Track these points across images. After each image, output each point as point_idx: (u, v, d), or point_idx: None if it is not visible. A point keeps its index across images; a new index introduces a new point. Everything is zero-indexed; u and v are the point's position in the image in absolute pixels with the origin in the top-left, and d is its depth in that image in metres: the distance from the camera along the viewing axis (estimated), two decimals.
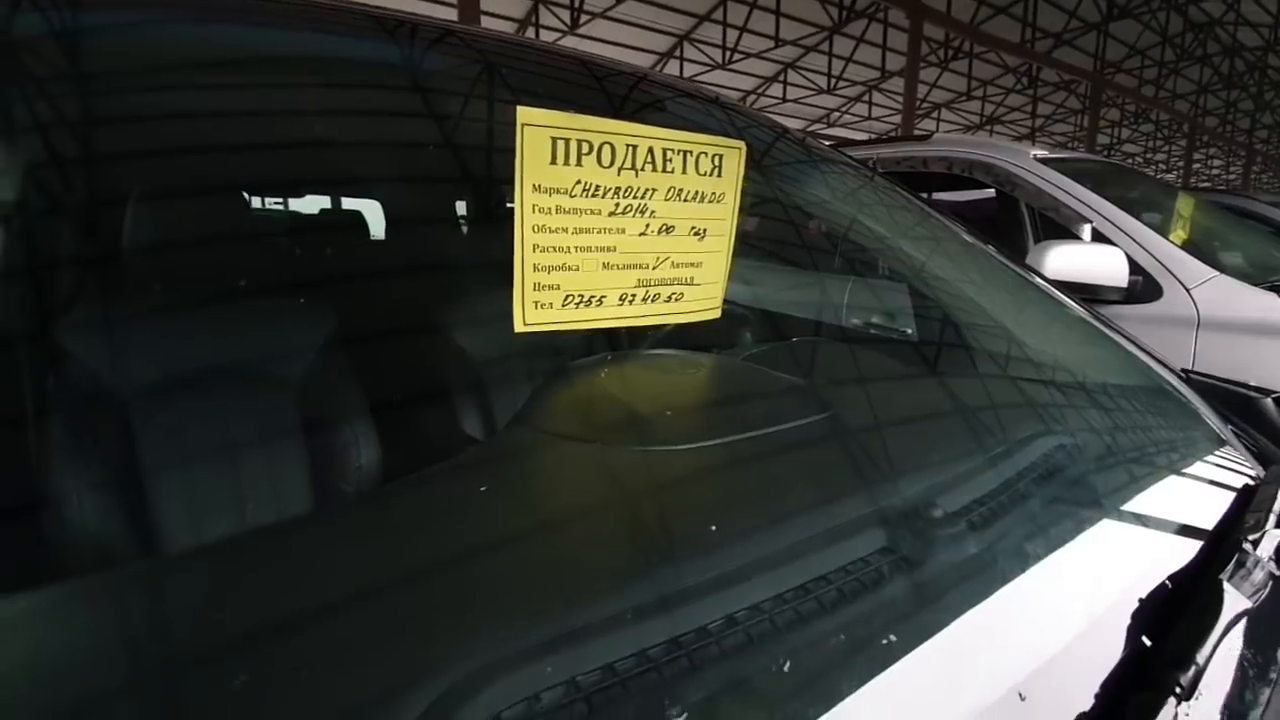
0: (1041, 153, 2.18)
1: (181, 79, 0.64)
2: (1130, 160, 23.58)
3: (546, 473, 0.50)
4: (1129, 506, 0.49)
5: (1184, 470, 0.58)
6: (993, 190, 2.26)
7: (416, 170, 0.85)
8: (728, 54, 12.21)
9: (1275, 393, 0.81)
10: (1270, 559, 0.38)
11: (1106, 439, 0.64)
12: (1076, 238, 1.96)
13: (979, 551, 0.39)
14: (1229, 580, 0.34)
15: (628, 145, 0.60)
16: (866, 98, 15.69)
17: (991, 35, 11.13)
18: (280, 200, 1.16)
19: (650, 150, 0.61)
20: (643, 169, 0.61)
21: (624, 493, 0.46)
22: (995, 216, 2.54)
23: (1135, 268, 1.82)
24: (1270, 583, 0.37)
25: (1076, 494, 0.51)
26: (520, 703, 0.26)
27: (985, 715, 0.27)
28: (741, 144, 0.67)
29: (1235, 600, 0.32)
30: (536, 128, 0.54)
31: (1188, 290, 1.75)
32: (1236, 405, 0.78)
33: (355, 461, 0.62)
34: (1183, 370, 0.86)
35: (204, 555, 0.41)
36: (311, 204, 1.20)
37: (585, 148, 0.57)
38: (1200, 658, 0.28)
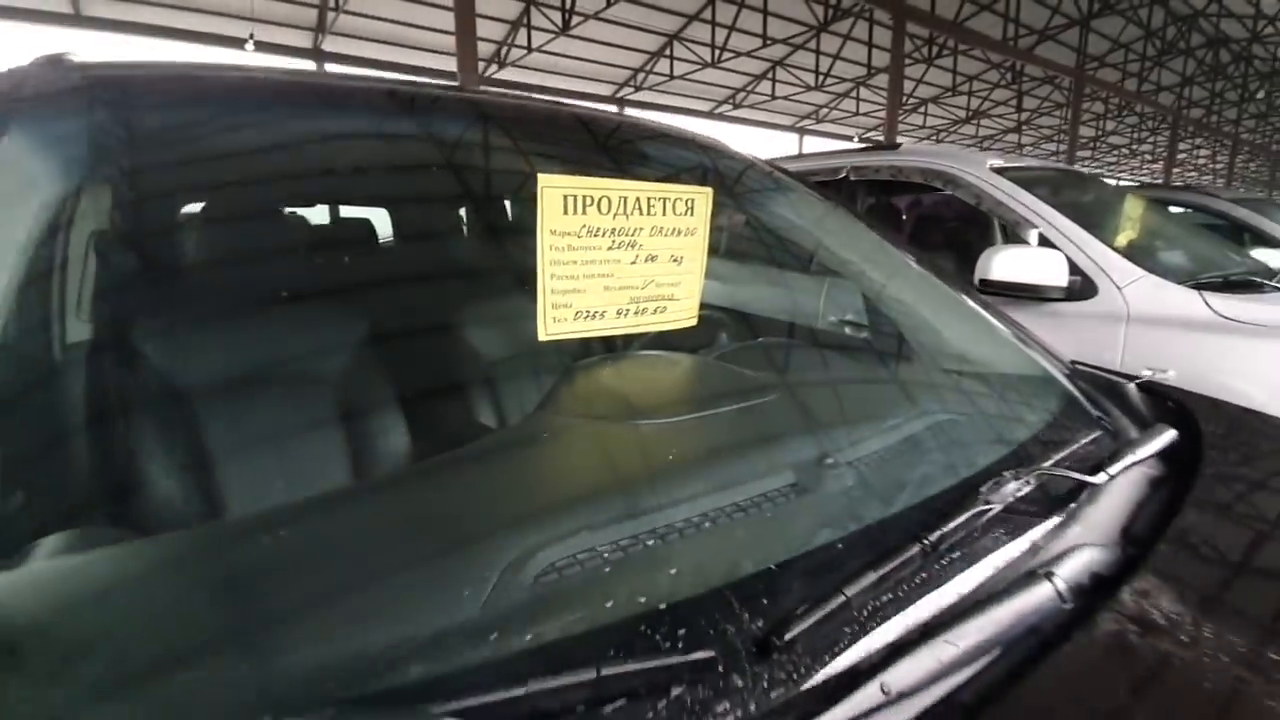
0: (998, 162, 2.39)
1: (238, 139, 0.85)
2: (1116, 151, 23.86)
3: (570, 440, 0.71)
4: (983, 467, 0.69)
5: (1042, 440, 0.78)
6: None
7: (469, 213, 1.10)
8: (717, 52, 12.37)
9: (1139, 378, 1.02)
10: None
11: (983, 414, 0.86)
12: (1024, 242, 2.18)
13: (851, 486, 0.61)
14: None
15: (620, 196, 0.80)
16: (854, 94, 15.89)
17: (975, 32, 11.33)
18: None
19: (638, 199, 0.82)
20: (631, 214, 0.81)
21: (625, 451, 0.67)
22: (953, 219, 2.76)
23: (1075, 268, 2.03)
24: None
25: (938, 454, 0.72)
26: (567, 562, 0.47)
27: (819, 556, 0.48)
28: (709, 190, 0.87)
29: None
30: (553, 189, 0.74)
31: (1119, 289, 1.97)
32: (1111, 389, 0.99)
33: (394, 439, 0.81)
34: (1072, 361, 1.07)
35: (265, 518, 0.57)
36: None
37: (588, 201, 0.78)
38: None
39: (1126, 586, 0.46)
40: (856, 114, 17.01)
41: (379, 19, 10.44)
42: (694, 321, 0.87)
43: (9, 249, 0.59)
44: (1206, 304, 1.84)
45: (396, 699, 0.33)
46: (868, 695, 0.35)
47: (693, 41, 12.56)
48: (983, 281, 2.01)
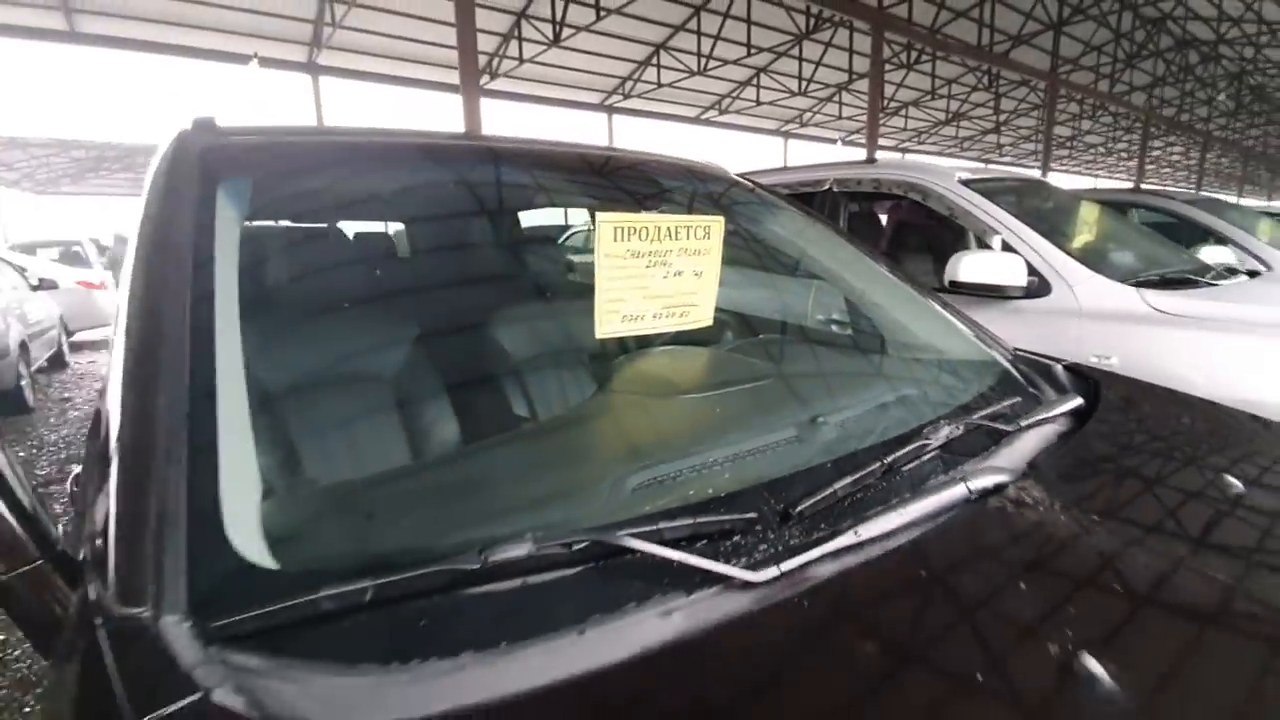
0: (965, 175, 2.66)
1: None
2: (1093, 150, 24.42)
3: (636, 406, 0.96)
4: (931, 420, 0.94)
5: (978, 403, 1.03)
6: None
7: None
8: (703, 61, 12.68)
9: (1063, 361, 1.28)
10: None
11: (937, 385, 1.11)
12: (989, 247, 2.45)
13: (835, 434, 0.86)
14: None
15: (655, 226, 1.05)
16: (837, 98, 16.27)
17: (951, 38, 11.71)
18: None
19: (668, 228, 1.06)
20: (663, 239, 1.06)
21: (677, 412, 0.92)
22: (928, 227, 3.02)
23: (1033, 270, 2.30)
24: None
25: (899, 412, 0.97)
26: (651, 479, 0.72)
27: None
28: (721, 217, 1.12)
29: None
30: (607, 223, 0.99)
31: (1070, 287, 2.24)
32: (1044, 370, 1.25)
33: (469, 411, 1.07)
34: (1014, 349, 1.33)
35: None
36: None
37: (631, 230, 1.02)
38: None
39: (1010, 487, 0.71)
40: (839, 118, 17.40)
41: (376, 33, 10.63)
42: (710, 323, 1.12)
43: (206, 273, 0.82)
44: (1144, 300, 2.12)
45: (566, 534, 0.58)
46: (846, 538, 0.60)
47: (679, 50, 12.88)
48: (952, 282, 2.27)
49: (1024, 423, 0.91)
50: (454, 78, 12.41)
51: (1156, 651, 0.51)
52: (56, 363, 6.97)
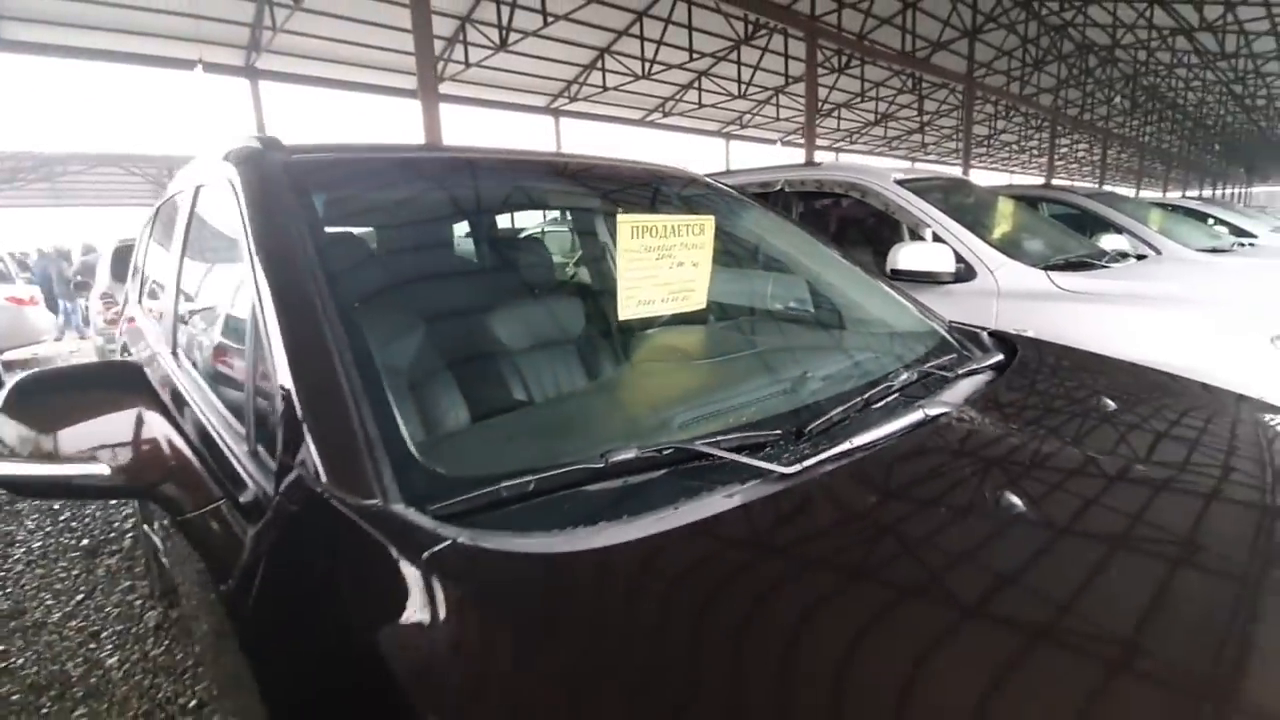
0: (900, 175, 3.01)
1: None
2: (1008, 148, 26.02)
3: (669, 366, 1.21)
4: (891, 370, 1.22)
5: (925, 359, 1.31)
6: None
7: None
8: (647, 65, 13.00)
9: (989, 329, 1.59)
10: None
11: (892, 349, 1.39)
12: (922, 239, 2.79)
13: (820, 383, 1.13)
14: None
15: (663, 224, 1.28)
16: (774, 100, 16.92)
17: (878, 45, 12.41)
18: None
19: (673, 225, 1.30)
20: (669, 235, 1.30)
21: (699, 372, 1.17)
22: (870, 222, 3.37)
23: (960, 258, 2.66)
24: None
25: (867, 367, 1.24)
26: (704, 415, 0.96)
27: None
28: (712, 216, 1.36)
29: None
30: (626, 222, 1.22)
31: (991, 272, 2.60)
32: (973, 336, 1.56)
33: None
34: (950, 321, 1.63)
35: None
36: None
37: (645, 229, 1.26)
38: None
39: (952, 413, 0.99)
40: (777, 119, 18.08)
41: (317, 37, 10.47)
42: (704, 305, 1.36)
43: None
44: (1051, 281, 2.49)
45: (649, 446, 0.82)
46: (844, 445, 0.85)
47: (624, 55, 13.16)
48: (892, 270, 2.60)
49: (960, 371, 1.20)
50: (397, 81, 12.41)
51: (1045, 492, 0.79)
52: None
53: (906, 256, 2.57)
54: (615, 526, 0.68)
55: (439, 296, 1.28)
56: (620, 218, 1.20)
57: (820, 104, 16.32)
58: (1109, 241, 3.57)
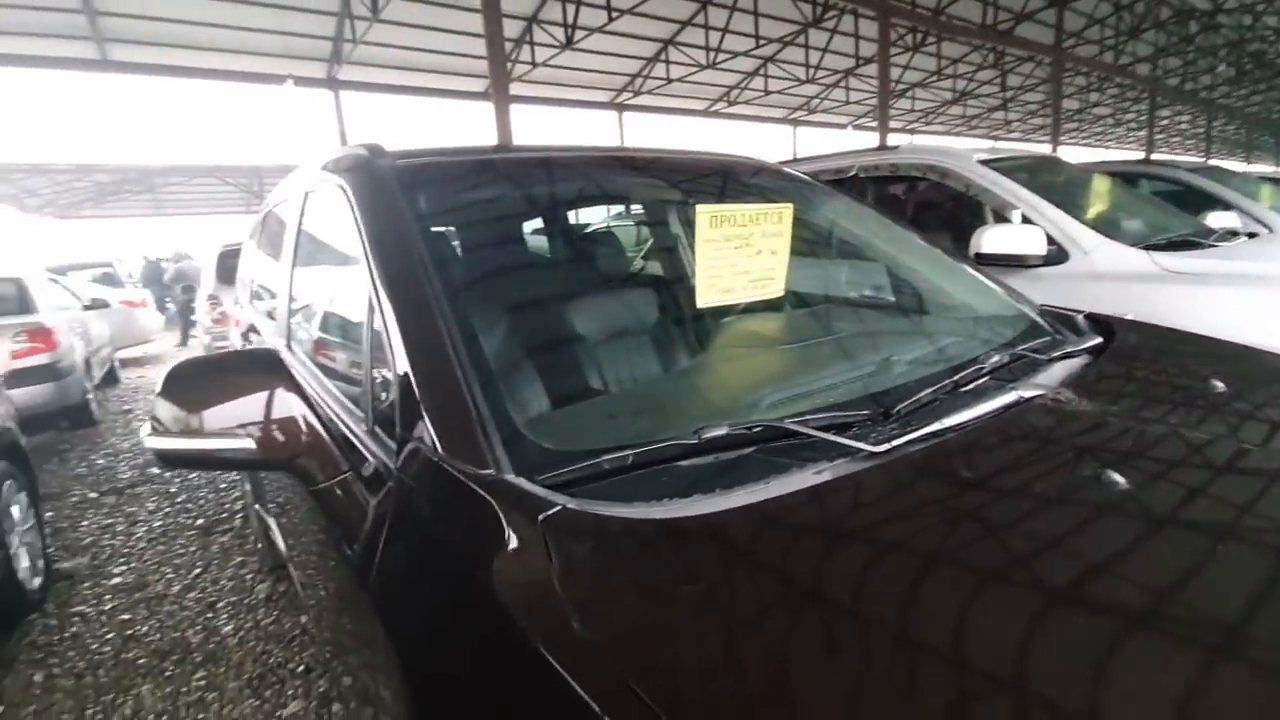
0: (983, 155, 2.88)
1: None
2: (1102, 121, 24.26)
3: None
4: (980, 354, 1.19)
5: (1017, 343, 1.27)
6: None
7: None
8: (712, 54, 12.88)
9: (1084, 312, 1.51)
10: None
11: (980, 334, 1.35)
12: (1007, 221, 2.66)
13: (905, 366, 1.11)
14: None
15: (742, 212, 1.29)
16: (844, 84, 16.40)
17: (955, 20, 11.81)
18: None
19: (752, 214, 1.31)
20: (748, 224, 1.30)
21: (757, 360, 1.18)
22: (948, 206, 3.24)
23: (1051, 239, 2.52)
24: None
25: (954, 350, 1.21)
26: (793, 396, 0.98)
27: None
28: (790, 205, 1.35)
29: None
30: (704, 212, 1.23)
31: (1086, 254, 2.46)
32: (1068, 319, 1.49)
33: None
34: (1041, 304, 1.56)
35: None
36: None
37: (724, 218, 1.27)
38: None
39: (1047, 393, 0.96)
40: (847, 103, 17.52)
41: (393, 46, 10.94)
42: (782, 293, 1.36)
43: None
44: (1154, 261, 2.33)
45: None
46: (933, 427, 0.84)
47: (688, 45, 13.08)
48: (977, 255, 2.49)
49: (1054, 354, 1.15)
50: (466, 85, 12.79)
51: (1148, 477, 0.76)
52: (109, 379, 7.31)
53: (992, 239, 2.46)
54: (711, 498, 0.70)
55: (535, 286, 1.35)
56: (699, 208, 1.22)
57: (893, 85, 15.70)
58: (1217, 219, 3.29)
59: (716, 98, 16.34)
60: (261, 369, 0.90)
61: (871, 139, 15.90)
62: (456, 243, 1.41)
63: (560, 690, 0.49)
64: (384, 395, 0.90)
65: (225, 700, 2.01)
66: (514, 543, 0.63)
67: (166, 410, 0.86)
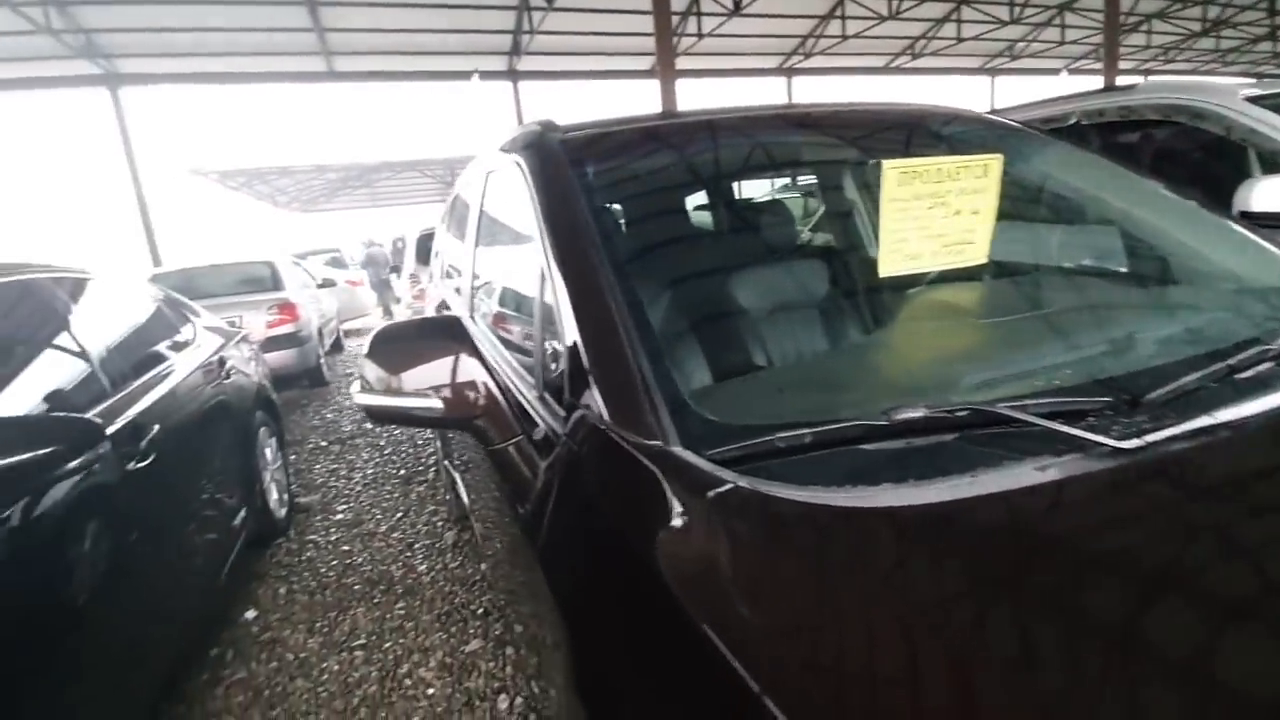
0: (1252, 89, 2.30)
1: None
2: None
3: (924, 328, 1.08)
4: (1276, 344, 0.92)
5: None
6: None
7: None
8: (894, 4, 11.80)
9: None
10: None
11: (1259, 315, 1.07)
12: None
13: (1153, 353, 0.90)
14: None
15: (936, 167, 1.13)
16: (1058, 20, 14.14)
17: None
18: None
19: (949, 169, 1.14)
20: (944, 180, 1.14)
21: (954, 334, 1.03)
22: (1197, 155, 2.64)
23: None
24: None
25: (1236, 328, 0.96)
26: (1004, 376, 0.84)
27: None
28: (999, 156, 1.17)
29: None
30: (893, 169, 1.09)
31: None
32: None
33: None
34: None
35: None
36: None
37: (915, 174, 1.12)
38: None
39: None
40: (1062, 43, 15.10)
41: (565, 33, 11.40)
42: (984, 260, 1.18)
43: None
44: None
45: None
46: (1204, 421, 0.66)
47: None
48: (1242, 213, 2.01)
49: None
50: (632, 64, 12.96)
51: None
52: (335, 347, 8.57)
53: (1265, 194, 1.96)
54: (903, 489, 0.62)
55: (702, 255, 1.31)
56: (886, 164, 1.08)
57: (1124, 16, 13.24)
58: None
59: (898, 51, 14.95)
60: (447, 336, 0.96)
61: (1090, 84, 13.64)
62: (623, 213, 1.42)
63: (721, 670, 0.47)
64: (554, 364, 0.92)
65: (420, 630, 2.27)
66: (680, 517, 0.61)
67: (371, 370, 0.95)
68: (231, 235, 18.17)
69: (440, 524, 3.13)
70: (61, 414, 1.32)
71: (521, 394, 1.00)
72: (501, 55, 12.12)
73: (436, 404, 0.91)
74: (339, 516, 3.35)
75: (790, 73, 14.82)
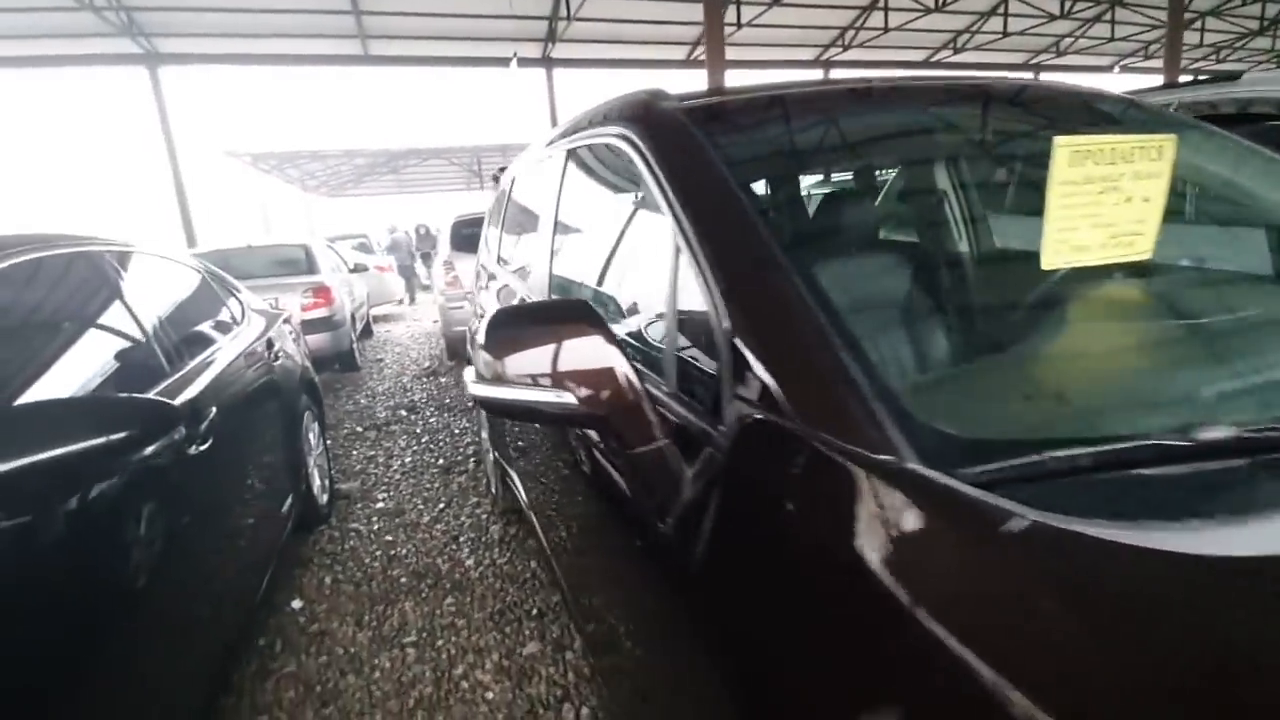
0: None
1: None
2: None
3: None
4: None
5: None
6: None
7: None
8: None
9: None
10: None
11: None
12: None
13: None
14: None
15: (1111, 147, 0.99)
16: (1109, 16, 13.68)
17: None
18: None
19: (1126, 148, 1.00)
20: (1118, 162, 1.00)
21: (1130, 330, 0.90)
22: None
23: None
24: None
25: None
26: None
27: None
28: (1174, 137, 1.03)
29: None
30: (1065, 147, 0.96)
31: None
32: None
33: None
34: None
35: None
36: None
37: (1088, 154, 0.98)
38: None
39: None
40: (1111, 39, 14.61)
41: (603, 20, 11.24)
42: (1151, 254, 1.04)
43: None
44: None
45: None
46: None
47: None
48: None
49: None
50: (668, 54, 12.75)
51: None
52: (365, 333, 8.55)
53: None
54: (1204, 531, 0.49)
55: (884, 232, 1.17)
56: (1058, 141, 0.95)
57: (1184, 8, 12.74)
58: None
59: (940, 45, 14.56)
60: (577, 321, 0.82)
61: (1141, 82, 13.16)
62: (772, 187, 1.26)
63: None
64: (694, 357, 0.80)
65: (472, 629, 2.17)
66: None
67: (485, 359, 0.83)
68: (261, 218, 18.31)
69: (485, 517, 3.04)
70: (140, 396, 1.23)
71: (656, 389, 0.88)
72: (536, 42, 11.98)
73: (569, 399, 0.79)
74: (379, 505, 3.28)
75: (827, 64, 14.51)
